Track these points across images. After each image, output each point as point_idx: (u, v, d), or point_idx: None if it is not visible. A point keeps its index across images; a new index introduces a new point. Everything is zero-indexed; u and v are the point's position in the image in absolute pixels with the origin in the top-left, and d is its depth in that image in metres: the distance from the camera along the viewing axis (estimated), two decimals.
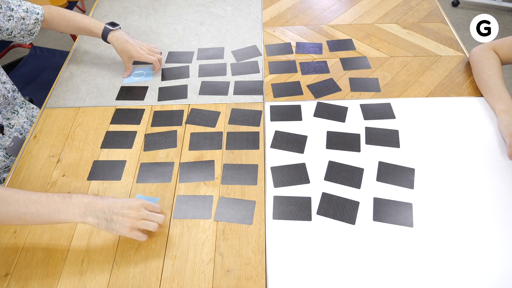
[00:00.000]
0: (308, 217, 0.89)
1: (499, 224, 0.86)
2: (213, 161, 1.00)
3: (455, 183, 0.94)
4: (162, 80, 1.25)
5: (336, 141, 1.04)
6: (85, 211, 0.79)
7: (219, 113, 1.13)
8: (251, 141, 1.04)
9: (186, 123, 1.11)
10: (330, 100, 1.15)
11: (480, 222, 0.86)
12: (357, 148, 1.02)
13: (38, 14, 1.17)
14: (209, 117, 1.12)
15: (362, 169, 0.97)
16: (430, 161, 0.98)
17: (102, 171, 1.00)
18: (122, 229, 0.80)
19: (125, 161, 1.02)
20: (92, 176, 0.99)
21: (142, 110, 1.15)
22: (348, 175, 0.96)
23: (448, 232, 0.85)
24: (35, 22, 1.17)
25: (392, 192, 0.92)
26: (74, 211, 0.79)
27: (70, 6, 2.35)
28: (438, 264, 0.81)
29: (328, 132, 1.06)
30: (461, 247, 0.83)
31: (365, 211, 0.89)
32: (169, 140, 1.05)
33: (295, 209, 0.90)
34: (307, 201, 0.91)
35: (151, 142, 1.05)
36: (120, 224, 0.80)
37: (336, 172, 0.97)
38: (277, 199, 0.92)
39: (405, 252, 0.82)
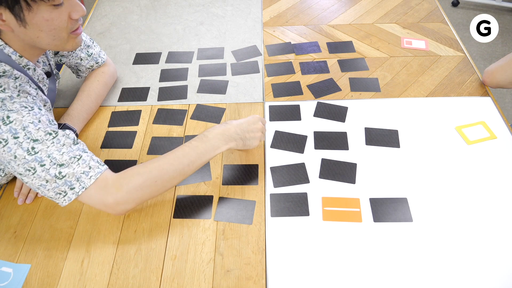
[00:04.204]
0: (305, 212, 0.89)
1: (497, 212, 0.86)
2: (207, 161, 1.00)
3: (455, 182, 0.94)
4: (161, 81, 1.25)
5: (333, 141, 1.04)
6: (225, 140, 0.89)
7: (224, 109, 1.13)
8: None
9: (191, 118, 1.11)
10: (330, 100, 1.15)
11: (479, 212, 0.87)
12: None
13: (97, 63, 1.15)
14: (214, 113, 1.12)
15: (359, 167, 0.97)
16: (430, 161, 0.98)
17: (114, 170, 1.00)
18: (255, 142, 0.94)
19: (136, 160, 1.02)
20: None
21: (139, 111, 1.15)
22: (344, 173, 0.96)
23: (448, 222, 0.85)
24: (89, 68, 1.15)
25: (388, 190, 0.92)
26: (217, 144, 0.88)
27: None
28: (443, 255, 0.81)
29: (324, 132, 1.06)
30: (463, 235, 0.83)
31: (365, 211, 0.89)
32: (173, 147, 1.04)
33: (292, 205, 0.90)
34: (303, 196, 0.92)
35: (156, 146, 1.05)
36: (253, 140, 0.93)
37: (330, 170, 0.97)
38: (273, 196, 0.92)
39: (408, 247, 0.82)
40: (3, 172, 0.93)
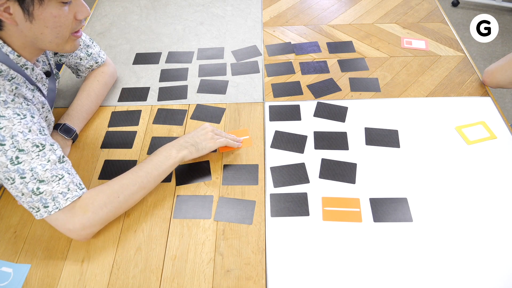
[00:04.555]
0: (305, 212, 0.89)
1: (497, 212, 0.86)
2: (208, 161, 1.00)
3: (455, 182, 0.94)
4: (161, 81, 1.25)
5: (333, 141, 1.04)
6: (177, 149, 0.91)
7: (224, 109, 1.13)
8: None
9: (191, 118, 1.11)
10: (330, 100, 1.15)
11: (479, 212, 0.87)
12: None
13: (97, 62, 1.14)
14: (214, 113, 1.12)
15: (359, 167, 0.97)
16: (430, 161, 0.98)
17: (114, 170, 1.00)
18: (208, 143, 0.94)
19: (137, 160, 1.02)
20: (103, 175, 0.99)
21: (139, 111, 1.15)
22: (344, 173, 0.96)
23: (448, 222, 0.86)
24: (89, 68, 1.14)
25: (388, 190, 0.92)
26: (170, 154, 0.90)
27: None
28: (442, 255, 0.81)
29: (325, 132, 1.06)
30: (463, 235, 0.83)
31: (365, 211, 0.89)
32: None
33: (292, 205, 0.90)
34: (303, 196, 0.92)
35: (156, 146, 1.05)
36: (205, 141, 0.94)
37: (330, 170, 0.97)
38: (274, 196, 0.92)
39: (408, 247, 0.83)
40: None
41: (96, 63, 1.15)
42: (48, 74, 0.96)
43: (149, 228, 0.89)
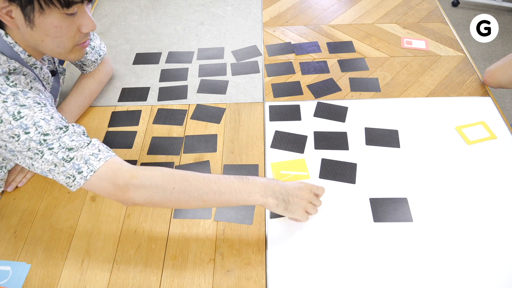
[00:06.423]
0: None
1: (497, 212, 0.86)
2: (208, 161, 1.00)
3: (455, 182, 0.94)
4: (161, 81, 1.25)
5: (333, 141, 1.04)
6: (265, 192, 0.78)
7: (224, 109, 1.13)
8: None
9: (191, 118, 1.11)
10: (330, 100, 1.15)
11: (479, 212, 0.87)
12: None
13: (100, 55, 1.14)
14: (214, 113, 1.13)
15: (359, 167, 0.97)
16: (430, 161, 0.98)
17: None
18: (298, 210, 0.81)
19: (136, 160, 1.02)
20: None
21: (139, 111, 1.15)
22: (344, 173, 0.96)
23: (448, 222, 0.86)
24: (94, 62, 1.13)
25: (388, 190, 0.92)
26: (255, 191, 0.78)
27: None
28: (443, 255, 0.81)
29: (324, 132, 1.06)
30: (463, 235, 0.83)
31: (364, 212, 0.89)
32: (173, 147, 1.05)
33: None
34: None
35: (156, 146, 1.05)
36: (296, 206, 0.81)
37: (330, 170, 0.97)
38: None
39: (408, 247, 0.83)
40: (5, 168, 0.93)
41: (100, 56, 1.15)
42: (53, 73, 0.97)
43: (149, 228, 0.89)
